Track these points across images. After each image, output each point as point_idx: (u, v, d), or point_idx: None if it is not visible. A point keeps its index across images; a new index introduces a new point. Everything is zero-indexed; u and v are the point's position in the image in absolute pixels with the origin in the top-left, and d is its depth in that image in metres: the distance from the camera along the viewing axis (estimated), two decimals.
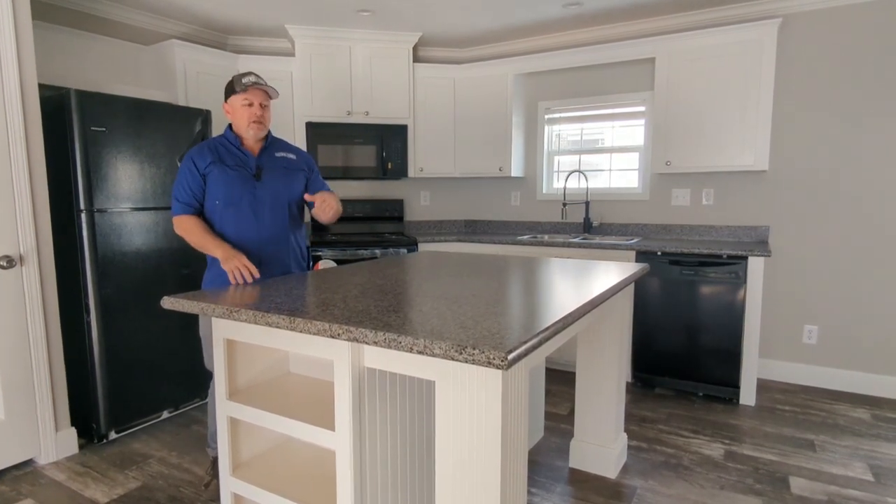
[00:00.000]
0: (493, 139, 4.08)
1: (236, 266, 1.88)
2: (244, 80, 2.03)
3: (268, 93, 2.07)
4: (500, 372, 1.12)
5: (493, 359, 1.04)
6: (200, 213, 2.07)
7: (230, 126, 2.12)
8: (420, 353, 1.13)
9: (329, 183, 4.32)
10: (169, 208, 2.87)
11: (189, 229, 2.00)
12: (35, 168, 2.40)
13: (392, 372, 1.41)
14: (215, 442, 2.21)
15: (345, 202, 4.25)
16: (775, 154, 3.39)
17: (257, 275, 1.91)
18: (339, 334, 1.25)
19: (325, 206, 2.02)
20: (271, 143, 2.16)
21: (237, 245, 2.04)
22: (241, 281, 1.87)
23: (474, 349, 1.06)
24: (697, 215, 3.67)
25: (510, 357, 1.03)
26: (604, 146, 4.03)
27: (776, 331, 3.46)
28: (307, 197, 2.08)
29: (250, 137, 2.08)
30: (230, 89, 2.06)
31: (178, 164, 2.84)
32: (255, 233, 2.07)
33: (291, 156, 2.20)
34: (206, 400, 3.13)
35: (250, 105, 2.03)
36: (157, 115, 2.80)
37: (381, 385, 1.42)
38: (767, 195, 3.43)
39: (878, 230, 3.15)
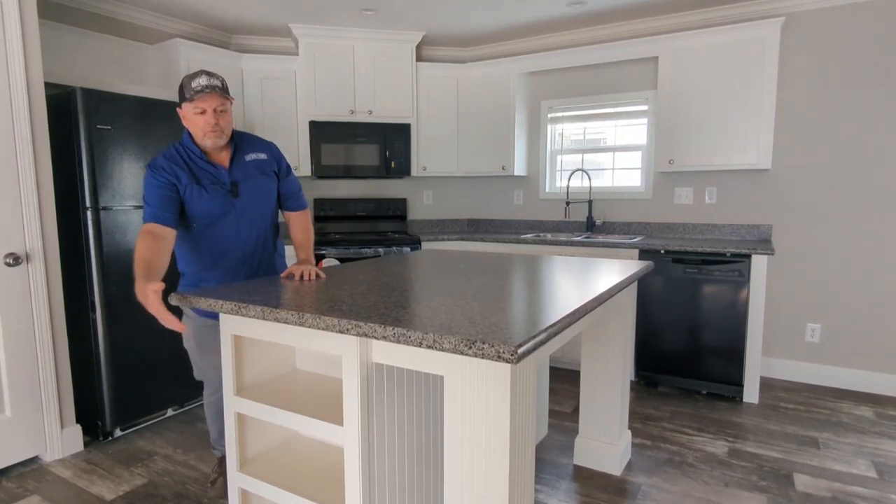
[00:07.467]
0: (495, 138, 4.08)
1: (142, 301, 1.59)
2: (193, 84, 1.77)
3: (224, 94, 1.81)
4: (509, 366, 1.13)
5: (503, 353, 1.04)
6: (171, 223, 1.82)
7: (189, 133, 1.88)
8: (429, 347, 1.14)
9: (332, 182, 4.33)
10: None
11: (138, 243, 1.73)
12: (41, 166, 2.41)
13: (400, 367, 1.42)
14: (220, 444, 2.22)
15: (347, 201, 4.25)
16: (778, 153, 3.39)
17: (167, 324, 1.60)
18: (347, 329, 1.25)
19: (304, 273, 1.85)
20: (238, 146, 1.95)
21: (224, 260, 1.95)
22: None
23: (484, 343, 1.07)
24: (700, 214, 3.68)
25: (520, 351, 1.04)
26: (606, 145, 4.03)
27: (779, 329, 3.46)
28: (289, 270, 1.89)
29: (208, 147, 1.86)
30: (180, 94, 1.82)
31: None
32: (239, 248, 1.98)
33: (262, 155, 2.00)
34: None
35: (202, 113, 1.79)
36: (162, 114, 2.81)
37: (389, 380, 1.42)
38: (770, 194, 3.44)
39: (882, 228, 3.15)
